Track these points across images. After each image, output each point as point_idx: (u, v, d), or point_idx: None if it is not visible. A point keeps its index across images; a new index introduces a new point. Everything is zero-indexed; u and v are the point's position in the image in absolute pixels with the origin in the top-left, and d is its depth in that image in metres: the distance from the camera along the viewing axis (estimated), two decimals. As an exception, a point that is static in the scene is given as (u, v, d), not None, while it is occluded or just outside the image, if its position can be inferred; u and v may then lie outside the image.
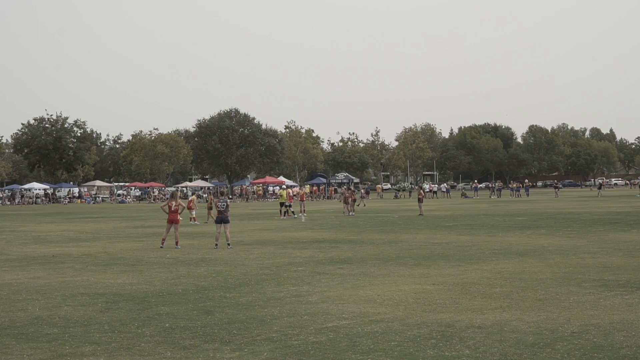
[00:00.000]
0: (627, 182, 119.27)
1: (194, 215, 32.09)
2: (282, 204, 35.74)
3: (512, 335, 7.68)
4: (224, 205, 19.12)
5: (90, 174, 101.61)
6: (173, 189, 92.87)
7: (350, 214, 36.41)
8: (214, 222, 19.64)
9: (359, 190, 66.40)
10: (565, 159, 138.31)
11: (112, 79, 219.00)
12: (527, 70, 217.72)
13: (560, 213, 33.71)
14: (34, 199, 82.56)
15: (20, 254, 18.25)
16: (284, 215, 34.63)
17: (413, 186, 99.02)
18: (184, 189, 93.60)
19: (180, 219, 19.67)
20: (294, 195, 39.94)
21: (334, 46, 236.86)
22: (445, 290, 10.86)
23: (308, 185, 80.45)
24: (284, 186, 64.25)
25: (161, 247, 19.00)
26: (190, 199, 33.61)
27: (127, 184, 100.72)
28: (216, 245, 19.00)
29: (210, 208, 32.47)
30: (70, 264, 15.75)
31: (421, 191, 37.75)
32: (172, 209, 19.36)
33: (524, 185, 73.40)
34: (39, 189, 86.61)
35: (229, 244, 18.89)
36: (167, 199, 21.15)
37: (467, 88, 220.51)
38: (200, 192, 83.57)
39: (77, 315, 9.33)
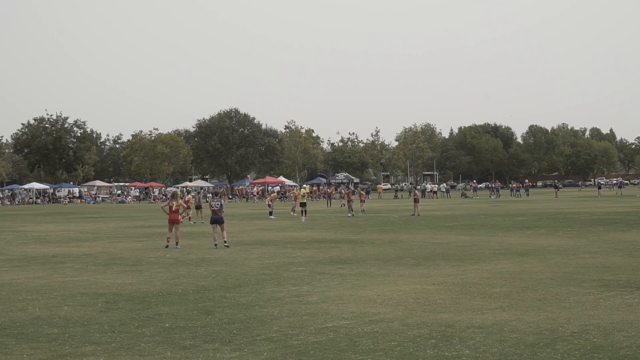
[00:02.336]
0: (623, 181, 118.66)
1: (190, 215, 32.21)
2: (302, 204, 35.44)
3: (512, 335, 7.68)
4: (217, 205, 19.20)
5: (90, 174, 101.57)
6: (174, 189, 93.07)
7: (349, 215, 36.27)
8: (209, 223, 19.67)
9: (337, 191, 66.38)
10: (565, 159, 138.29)
11: (112, 79, 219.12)
12: (527, 70, 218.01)
13: (560, 213, 33.71)
14: (34, 199, 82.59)
15: (20, 254, 18.25)
16: (304, 215, 34.07)
17: (413, 186, 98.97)
18: (184, 189, 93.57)
19: (182, 219, 19.62)
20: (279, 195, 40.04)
21: (334, 46, 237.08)
22: (445, 290, 10.86)
23: (308, 185, 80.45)
24: (305, 186, 63.81)
25: (166, 247, 18.96)
26: (186, 198, 33.60)
27: (127, 184, 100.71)
28: (215, 245, 19.06)
29: (198, 207, 32.75)
30: (70, 264, 15.75)
31: (416, 191, 37.76)
32: (173, 209, 19.38)
33: (524, 185, 73.39)
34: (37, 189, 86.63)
35: (225, 243, 19.01)
36: (168, 199, 21.11)
37: (467, 88, 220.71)
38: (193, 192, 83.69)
39: (77, 315, 9.33)
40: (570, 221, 27.25)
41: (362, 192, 48.44)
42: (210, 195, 78.13)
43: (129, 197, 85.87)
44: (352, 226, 27.56)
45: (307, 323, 8.54)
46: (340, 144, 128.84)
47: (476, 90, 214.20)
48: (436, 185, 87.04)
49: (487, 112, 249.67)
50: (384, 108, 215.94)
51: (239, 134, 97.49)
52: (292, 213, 37.98)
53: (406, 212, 38.94)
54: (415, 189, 41.19)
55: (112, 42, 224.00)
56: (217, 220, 19.14)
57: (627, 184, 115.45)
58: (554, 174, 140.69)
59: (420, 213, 34.73)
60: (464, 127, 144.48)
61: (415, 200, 35.86)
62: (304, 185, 62.14)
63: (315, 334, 7.95)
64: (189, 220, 31.48)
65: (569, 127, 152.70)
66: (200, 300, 10.43)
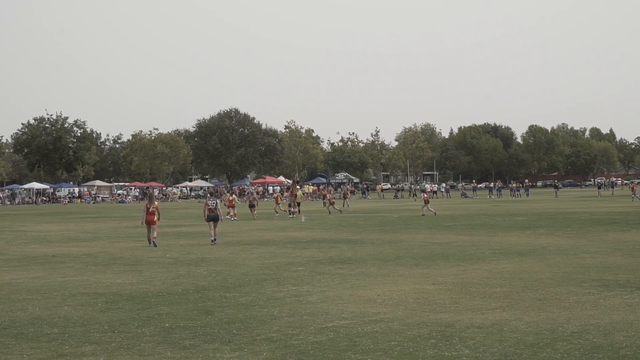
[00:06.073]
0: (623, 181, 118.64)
1: (235, 212, 34.30)
2: (298, 203, 35.91)
3: (512, 335, 7.68)
4: (213, 204, 20.61)
5: (90, 174, 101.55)
6: (172, 189, 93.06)
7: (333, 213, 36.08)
8: (206, 221, 20.75)
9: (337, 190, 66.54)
10: (565, 159, 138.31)
11: (112, 79, 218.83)
12: (527, 70, 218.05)
13: (560, 213, 33.70)
14: (34, 199, 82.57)
15: (20, 254, 18.26)
16: (302, 216, 33.95)
17: (413, 186, 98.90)
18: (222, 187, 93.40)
19: (230, 218, 20.37)
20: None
21: (334, 46, 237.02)
22: (445, 290, 10.86)
23: (307, 185, 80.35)
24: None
25: (149, 246, 19.56)
26: (230, 198, 36.54)
27: (127, 183, 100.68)
28: (212, 241, 19.94)
29: (251, 206, 36.27)
30: (70, 264, 15.75)
31: (425, 195, 37.68)
32: (150, 211, 19.68)
33: (524, 185, 73.34)
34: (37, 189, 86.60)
35: (215, 239, 19.99)
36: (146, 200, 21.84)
37: (467, 88, 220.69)
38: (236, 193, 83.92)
39: (77, 315, 9.33)
40: (570, 221, 27.25)
41: (329, 191, 49.09)
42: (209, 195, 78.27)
43: (129, 197, 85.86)
44: (352, 226, 27.56)
45: (307, 323, 8.54)
46: (340, 144, 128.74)
47: (476, 90, 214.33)
48: (436, 185, 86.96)
49: (487, 112, 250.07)
50: (384, 108, 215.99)
51: (239, 134, 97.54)
52: (291, 215, 37.87)
53: (406, 212, 38.95)
54: (424, 191, 41.11)
55: (112, 42, 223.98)
56: (213, 217, 20.37)
57: (627, 183, 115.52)
58: (553, 174, 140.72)
59: (425, 213, 34.53)
60: (464, 127, 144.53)
61: (426, 202, 35.69)
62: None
63: (315, 334, 7.95)
64: (233, 218, 33.14)
65: (569, 127, 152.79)
66: (200, 300, 10.43)
